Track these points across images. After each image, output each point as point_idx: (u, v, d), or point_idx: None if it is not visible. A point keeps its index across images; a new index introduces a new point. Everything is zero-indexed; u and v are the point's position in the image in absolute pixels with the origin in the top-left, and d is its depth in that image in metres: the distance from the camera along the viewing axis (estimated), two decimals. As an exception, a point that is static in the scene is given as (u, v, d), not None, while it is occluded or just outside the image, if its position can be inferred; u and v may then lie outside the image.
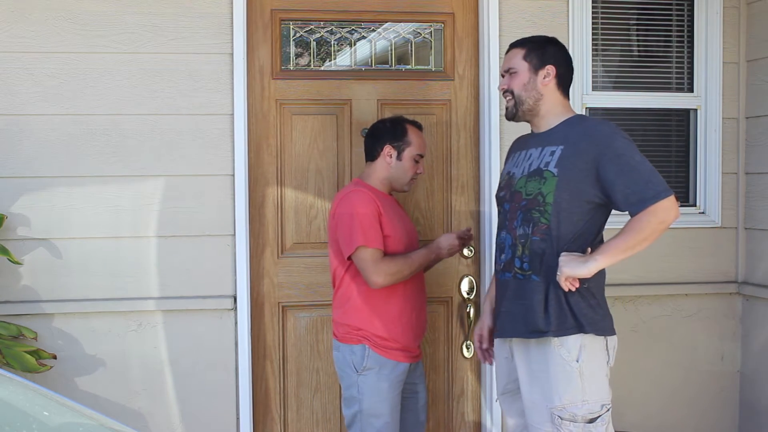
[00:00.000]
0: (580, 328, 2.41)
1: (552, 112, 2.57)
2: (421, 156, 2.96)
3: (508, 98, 2.61)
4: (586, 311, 2.43)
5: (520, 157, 2.61)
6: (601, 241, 2.49)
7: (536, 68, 2.56)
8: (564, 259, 2.38)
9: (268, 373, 3.34)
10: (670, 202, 2.34)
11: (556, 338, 2.42)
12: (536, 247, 2.46)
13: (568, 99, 2.63)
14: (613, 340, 2.50)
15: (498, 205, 2.67)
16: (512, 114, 2.61)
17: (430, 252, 2.92)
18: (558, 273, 2.39)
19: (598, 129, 2.47)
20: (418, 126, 2.99)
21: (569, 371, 2.40)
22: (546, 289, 2.44)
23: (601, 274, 2.48)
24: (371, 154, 2.96)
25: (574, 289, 2.40)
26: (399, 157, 2.91)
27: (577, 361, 2.40)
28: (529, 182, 2.49)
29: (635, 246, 2.36)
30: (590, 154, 2.41)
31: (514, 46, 2.64)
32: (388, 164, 2.92)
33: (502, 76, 2.65)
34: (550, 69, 2.55)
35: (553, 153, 2.48)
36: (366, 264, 2.79)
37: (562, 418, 2.40)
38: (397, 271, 2.80)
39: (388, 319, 2.86)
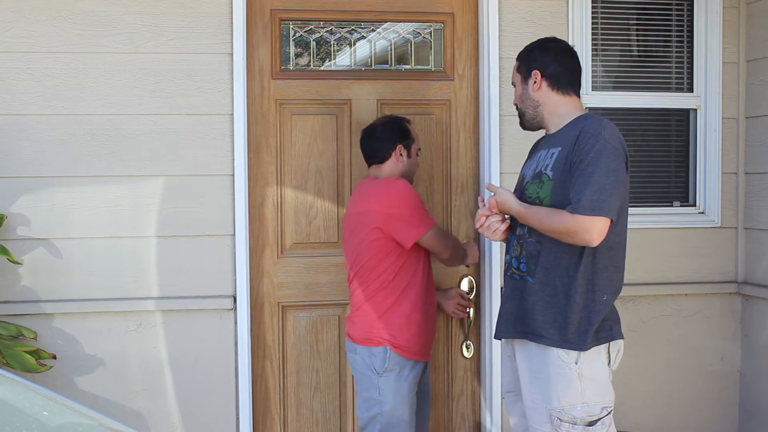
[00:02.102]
0: (578, 345, 2.38)
1: (556, 114, 2.54)
2: (420, 149, 3.14)
3: (518, 111, 2.65)
4: (584, 326, 2.38)
5: (533, 159, 2.61)
6: (610, 251, 2.44)
7: (526, 77, 2.58)
8: (504, 191, 2.50)
9: (267, 372, 3.34)
10: (592, 224, 2.27)
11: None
12: (532, 249, 2.46)
13: (573, 96, 2.56)
14: (617, 344, 2.47)
15: None
16: (522, 125, 2.65)
17: (460, 245, 3.16)
18: (491, 195, 2.50)
19: (587, 129, 2.39)
20: (410, 122, 3.15)
21: (568, 374, 2.39)
22: (541, 292, 2.43)
23: (613, 276, 2.45)
24: (380, 156, 3.02)
25: (481, 225, 2.54)
26: (408, 155, 3.04)
27: (576, 363, 2.38)
28: (531, 185, 2.50)
29: (537, 226, 2.40)
30: (574, 154, 2.38)
31: (516, 60, 2.67)
32: (401, 162, 3.02)
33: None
34: (535, 74, 2.54)
35: (552, 155, 2.46)
36: (437, 240, 2.94)
37: (561, 420, 2.39)
38: (453, 244, 3.06)
39: (402, 318, 2.90)
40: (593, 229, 2.28)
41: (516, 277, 2.52)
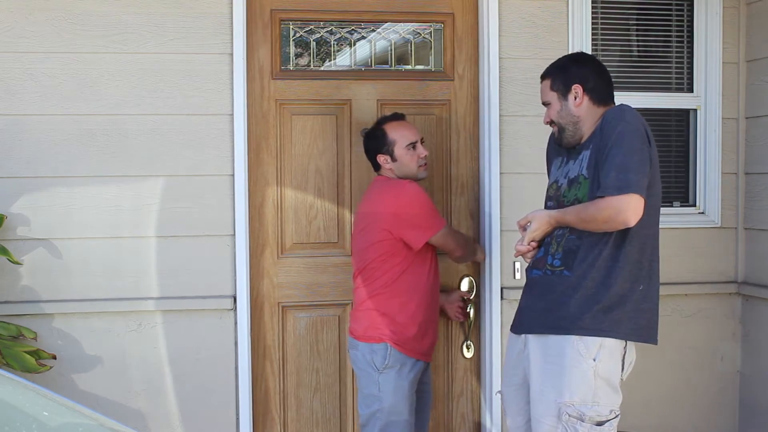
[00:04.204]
0: (607, 333, 2.40)
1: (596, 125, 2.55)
2: (413, 142, 3.00)
3: (553, 127, 2.63)
4: (618, 315, 2.40)
5: (566, 166, 2.60)
6: (647, 240, 2.46)
7: (564, 94, 2.55)
8: (534, 214, 2.54)
9: (267, 373, 3.34)
10: (625, 202, 2.29)
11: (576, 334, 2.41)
12: (572, 245, 2.47)
13: (612, 104, 2.57)
14: (631, 354, 2.49)
15: None
16: (560, 141, 2.63)
17: (471, 242, 3.22)
18: (524, 223, 2.55)
19: (608, 116, 2.43)
20: (398, 117, 3.05)
21: (584, 368, 2.40)
22: (578, 285, 2.43)
23: (648, 266, 2.46)
24: (374, 167, 3.07)
25: (526, 251, 2.57)
26: (393, 159, 2.99)
27: (594, 360, 2.40)
28: (570, 190, 2.52)
29: (577, 223, 2.42)
30: (600, 143, 2.41)
31: (542, 78, 2.64)
32: (391, 169, 3.01)
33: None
34: (577, 88, 2.53)
35: (585, 157, 2.49)
36: (447, 239, 2.97)
37: (569, 415, 2.39)
38: (464, 242, 3.10)
39: (405, 318, 2.90)
40: (626, 207, 2.30)
41: (548, 273, 2.52)
